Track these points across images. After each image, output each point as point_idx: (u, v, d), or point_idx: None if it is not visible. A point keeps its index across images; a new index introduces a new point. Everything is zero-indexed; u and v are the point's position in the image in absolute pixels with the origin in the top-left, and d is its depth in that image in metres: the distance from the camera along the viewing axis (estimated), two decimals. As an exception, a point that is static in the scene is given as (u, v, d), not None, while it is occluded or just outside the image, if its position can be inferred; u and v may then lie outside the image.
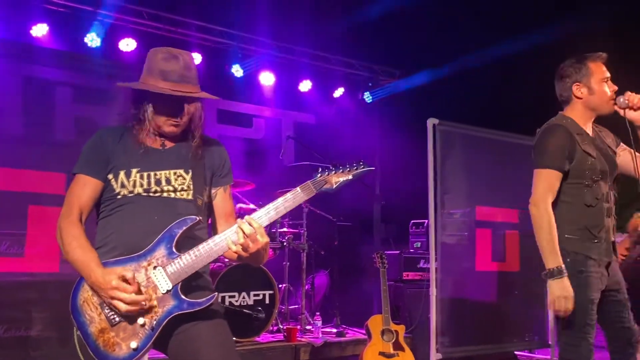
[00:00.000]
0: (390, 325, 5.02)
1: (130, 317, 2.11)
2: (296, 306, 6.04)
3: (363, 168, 2.33)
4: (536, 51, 8.14)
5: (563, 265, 2.91)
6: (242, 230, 2.11)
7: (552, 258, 2.93)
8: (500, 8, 7.86)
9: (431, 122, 5.87)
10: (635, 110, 3.01)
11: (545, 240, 2.96)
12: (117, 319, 2.12)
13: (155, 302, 2.13)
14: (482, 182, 6.16)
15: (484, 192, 6.14)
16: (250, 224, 2.13)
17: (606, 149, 3.14)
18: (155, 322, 2.12)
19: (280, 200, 2.21)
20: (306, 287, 5.95)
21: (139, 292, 2.10)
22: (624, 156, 3.18)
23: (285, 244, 5.80)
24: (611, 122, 3.19)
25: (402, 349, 4.99)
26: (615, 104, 3.07)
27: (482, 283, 6.09)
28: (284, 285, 5.88)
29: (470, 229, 5.92)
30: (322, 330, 5.61)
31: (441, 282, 5.65)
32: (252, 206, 5.74)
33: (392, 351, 4.95)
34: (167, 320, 2.12)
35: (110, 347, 2.11)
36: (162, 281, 2.14)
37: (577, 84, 3.12)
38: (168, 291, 2.14)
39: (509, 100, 8.41)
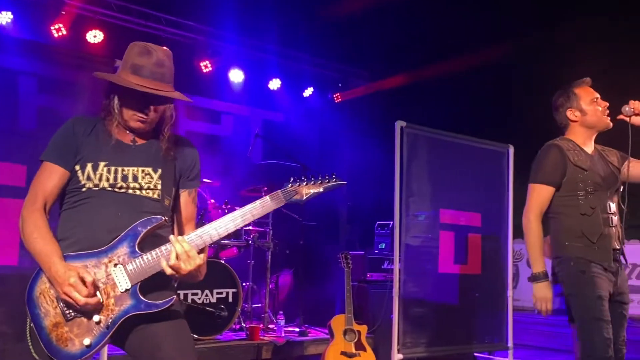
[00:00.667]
0: (352, 325, 5.05)
1: (85, 314, 2.08)
2: (259, 305, 6.03)
3: (335, 182, 2.31)
4: (503, 62, 8.30)
5: (546, 271, 3.23)
6: (173, 251, 2.09)
7: (538, 264, 3.25)
8: (469, 20, 7.98)
9: (399, 124, 5.91)
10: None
11: (532, 247, 3.27)
12: (72, 314, 2.09)
13: (112, 300, 2.10)
14: (447, 185, 6.23)
15: (449, 195, 6.21)
16: (182, 246, 2.09)
17: (607, 166, 3.40)
18: (110, 321, 2.09)
19: (248, 207, 2.21)
20: (270, 286, 5.94)
21: (93, 295, 2.06)
22: (635, 167, 3.40)
23: (250, 242, 5.78)
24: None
25: (364, 349, 5.02)
26: (622, 113, 3.33)
27: (444, 285, 6.16)
28: (247, 283, 5.86)
29: (434, 232, 5.99)
30: (285, 329, 5.61)
31: (404, 283, 5.70)
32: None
33: (353, 351, 4.98)
34: (122, 319, 2.10)
35: (63, 342, 2.08)
36: (122, 279, 2.11)
37: (570, 109, 3.43)
38: (127, 290, 2.11)
39: (475, 106, 8.55)
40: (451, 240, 6.22)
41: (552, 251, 3.40)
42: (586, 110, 3.39)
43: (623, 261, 3.34)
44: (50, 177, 2.21)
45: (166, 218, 2.21)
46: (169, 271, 2.10)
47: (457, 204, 6.26)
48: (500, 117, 8.75)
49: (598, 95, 3.43)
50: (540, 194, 3.34)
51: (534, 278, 3.27)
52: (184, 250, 2.09)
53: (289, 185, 2.26)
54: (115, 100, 2.24)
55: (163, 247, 2.13)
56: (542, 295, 3.25)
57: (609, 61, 7.84)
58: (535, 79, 9.38)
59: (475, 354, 6.62)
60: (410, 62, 8.04)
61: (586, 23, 7.79)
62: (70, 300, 2.04)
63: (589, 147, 3.43)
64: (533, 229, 3.29)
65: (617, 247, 3.30)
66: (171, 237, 2.12)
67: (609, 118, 3.39)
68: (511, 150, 6.81)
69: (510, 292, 6.46)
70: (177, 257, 2.08)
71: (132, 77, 2.21)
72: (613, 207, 3.34)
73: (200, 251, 2.15)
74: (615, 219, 3.33)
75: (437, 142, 6.26)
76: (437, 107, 7.78)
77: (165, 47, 2.32)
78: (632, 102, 3.32)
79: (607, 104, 3.41)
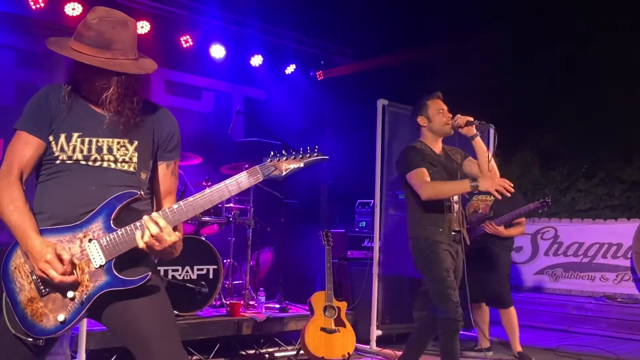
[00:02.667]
0: (332, 302, 5.09)
1: (60, 289, 2.06)
2: (240, 282, 6.05)
3: (316, 156, 2.19)
4: (483, 41, 8.32)
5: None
6: (147, 228, 2.04)
7: (463, 184, 3.89)
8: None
9: (381, 102, 5.93)
10: (463, 127, 3.97)
11: (450, 188, 3.96)
12: (46, 290, 2.07)
13: (87, 276, 2.07)
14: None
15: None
16: (156, 223, 2.05)
17: (451, 163, 4.13)
18: (85, 297, 2.06)
19: (224, 183, 2.14)
20: (251, 263, 5.96)
21: (70, 273, 2.03)
22: (469, 166, 4.15)
23: (231, 219, 5.77)
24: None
25: (344, 325, 5.07)
26: (452, 126, 4.02)
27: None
28: (228, 260, 5.87)
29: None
30: (266, 305, 5.64)
31: (383, 261, 5.76)
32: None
33: (333, 327, 5.02)
34: (97, 295, 2.07)
35: (37, 317, 2.06)
36: (96, 255, 2.07)
37: (420, 116, 4.20)
38: (101, 266, 2.07)
39: (457, 85, 8.57)
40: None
41: (409, 231, 4.13)
42: (432, 119, 4.13)
43: (464, 242, 4.04)
44: (26, 148, 2.14)
45: (142, 192, 2.15)
46: (142, 246, 2.06)
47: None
48: (482, 97, 8.80)
49: (444, 108, 4.13)
50: (421, 175, 3.95)
51: (473, 180, 3.84)
52: (159, 227, 2.04)
53: (268, 161, 2.16)
54: (71, 72, 2.16)
55: (138, 222, 2.08)
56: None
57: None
58: (516, 59, 9.45)
59: (453, 330, 6.71)
60: (393, 40, 8.03)
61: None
62: (46, 277, 2.02)
63: (437, 148, 4.17)
64: (435, 186, 3.90)
65: (457, 229, 4.01)
66: (146, 216, 2.08)
67: (450, 127, 4.05)
68: (492, 129, 6.85)
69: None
70: (151, 234, 2.04)
71: (77, 44, 2.12)
72: (455, 197, 4.04)
73: (175, 228, 2.11)
74: (457, 206, 4.03)
75: (419, 120, 6.28)
76: (420, 85, 7.80)
77: (124, 14, 2.20)
78: (457, 116, 4.01)
79: (450, 116, 4.09)
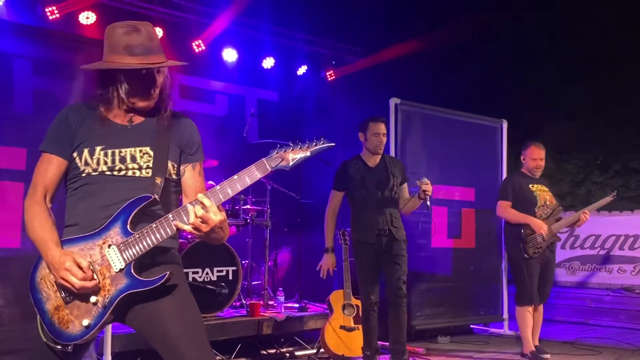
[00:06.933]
0: (351, 300, 5.14)
1: (83, 296, 2.13)
2: (259, 282, 6.12)
3: (322, 144, 2.18)
4: (495, 37, 8.31)
5: (331, 246, 4.84)
6: (193, 209, 2.07)
7: (328, 241, 4.84)
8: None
9: (393, 101, 5.97)
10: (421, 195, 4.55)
11: (326, 231, 4.86)
12: (71, 297, 2.14)
13: (108, 281, 2.14)
14: (441, 160, 6.30)
15: (443, 170, 6.28)
16: (202, 203, 2.08)
17: (386, 174, 4.76)
18: (107, 301, 2.13)
19: (234, 178, 2.15)
20: (269, 263, 6.02)
21: (91, 278, 2.10)
22: (402, 189, 4.85)
23: (248, 221, 5.84)
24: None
25: (362, 323, 5.11)
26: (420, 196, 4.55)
27: (439, 259, 6.26)
28: (247, 261, 5.94)
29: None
30: (285, 305, 5.70)
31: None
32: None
33: (352, 325, 5.08)
34: (119, 298, 2.13)
35: (64, 324, 2.13)
36: (116, 260, 2.14)
37: (361, 133, 4.85)
38: (121, 270, 2.13)
39: (469, 82, 8.58)
40: (444, 215, 6.30)
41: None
42: (368, 139, 4.78)
43: (395, 236, 4.66)
44: (49, 168, 2.24)
45: (155, 196, 2.20)
46: (188, 229, 2.08)
47: (451, 179, 6.34)
48: (494, 93, 8.80)
49: (381, 132, 4.76)
50: (333, 198, 4.86)
51: (325, 250, 4.84)
52: (205, 206, 2.07)
53: (275, 153, 2.17)
54: (121, 87, 2.21)
55: (153, 225, 2.13)
56: (328, 262, 4.82)
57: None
58: (528, 54, 9.43)
59: (471, 326, 6.75)
60: (404, 37, 8.05)
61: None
62: (68, 285, 2.09)
63: (371, 162, 4.81)
64: (327, 221, 4.84)
65: (383, 228, 4.63)
66: (199, 195, 2.10)
67: (379, 149, 4.76)
68: (505, 125, 6.87)
69: (505, 265, 6.57)
70: (197, 214, 2.06)
71: (130, 58, 2.18)
72: (383, 193, 4.68)
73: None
74: (386, 209, 4.64)
75: (431, 118, 6.32)
76: (433, 82, 7.83)
77: (145, 22, 2.29)
78: (424, 185, 4.47)
79: (383, 141, 4.77)
